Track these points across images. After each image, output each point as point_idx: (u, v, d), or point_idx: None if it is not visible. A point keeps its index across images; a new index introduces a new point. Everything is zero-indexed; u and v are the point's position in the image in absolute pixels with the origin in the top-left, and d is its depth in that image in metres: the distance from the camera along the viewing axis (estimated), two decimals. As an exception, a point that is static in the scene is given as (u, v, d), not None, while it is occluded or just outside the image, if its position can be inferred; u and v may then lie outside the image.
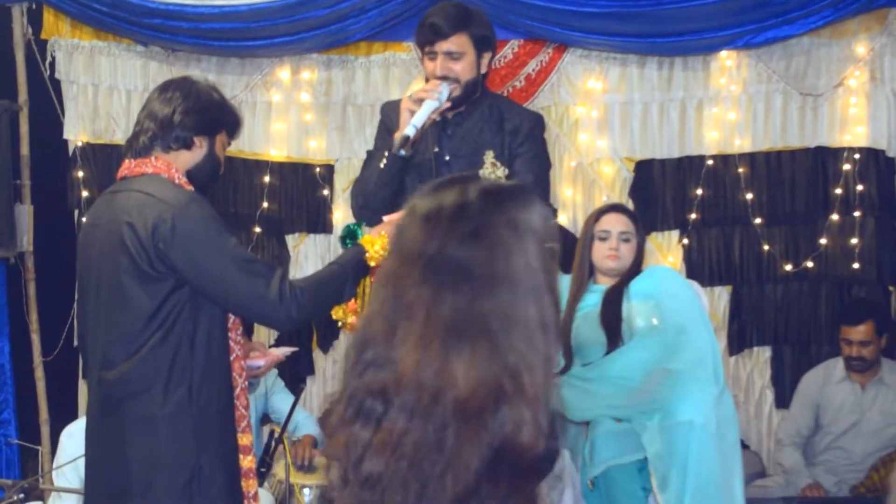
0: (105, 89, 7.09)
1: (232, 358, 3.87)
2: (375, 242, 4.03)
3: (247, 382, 3.93)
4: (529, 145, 4.62)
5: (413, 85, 6.89)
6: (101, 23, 6.83)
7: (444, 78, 4.49)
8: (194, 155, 3.94)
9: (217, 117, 4.00)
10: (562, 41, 6.86)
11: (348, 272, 3.99)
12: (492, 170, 4.55)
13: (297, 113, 7.16)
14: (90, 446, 3.95)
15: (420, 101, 4.38)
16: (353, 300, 4.18)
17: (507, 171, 4.56)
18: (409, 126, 4.31)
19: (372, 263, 4.02)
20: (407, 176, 4.53)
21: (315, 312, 4.06)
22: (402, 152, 4.39)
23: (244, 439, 3.89)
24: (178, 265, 3.69)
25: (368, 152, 4.84)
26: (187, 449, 3.74)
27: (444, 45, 4.51)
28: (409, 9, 6.55)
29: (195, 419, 3.75)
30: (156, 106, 3.93)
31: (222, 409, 3.83)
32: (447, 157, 4.59)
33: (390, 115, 4.64)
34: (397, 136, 4.38)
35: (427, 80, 4.62)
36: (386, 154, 4.46)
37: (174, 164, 3.88)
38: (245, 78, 7.13)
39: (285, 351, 4.43)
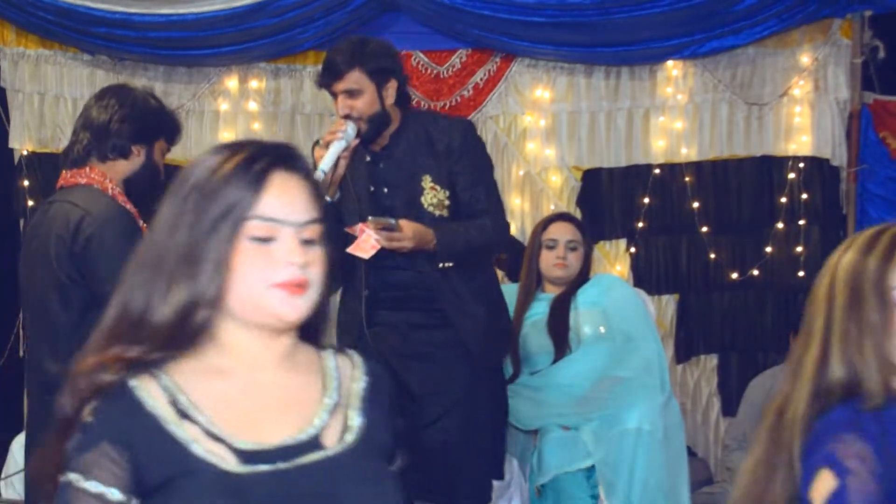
0: (51, 98, 7.04)
1: None
2: None
3: None
4: (468, 158, 4.54)
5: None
6: (47, 31, 6.79)
7: (347, 117, 4.43)
8: (132, 164, 3.86)
9: (155, 125, 3.92)
10: (509, 51, 6.88)
11: None
12: (433, 194, 4.51)
13: (244, 122, 7.13)
14: (28, 457, 3.90)
15: (328, 145, 4.30)
16: None
17: (447, 193, 4.52)
18: (318, 172, 4.20)
19: None
20: (347, 213, 4.48)
21: None
22: (328, 199, 4.34)
23: None
24: (91, 277, 3.62)
25: None
26: None
27: (339, 85, 4.42)
28: (357, 18, 6.55)
29: None
30: (92, 114, 3.87)
31: None
32: (385, 190, 4.53)
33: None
34: None
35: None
36: None
37: (109, 174, 3.81)
38: (192, 87, 7.10)
39: None
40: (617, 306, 5.18)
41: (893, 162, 6.60)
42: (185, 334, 1.97)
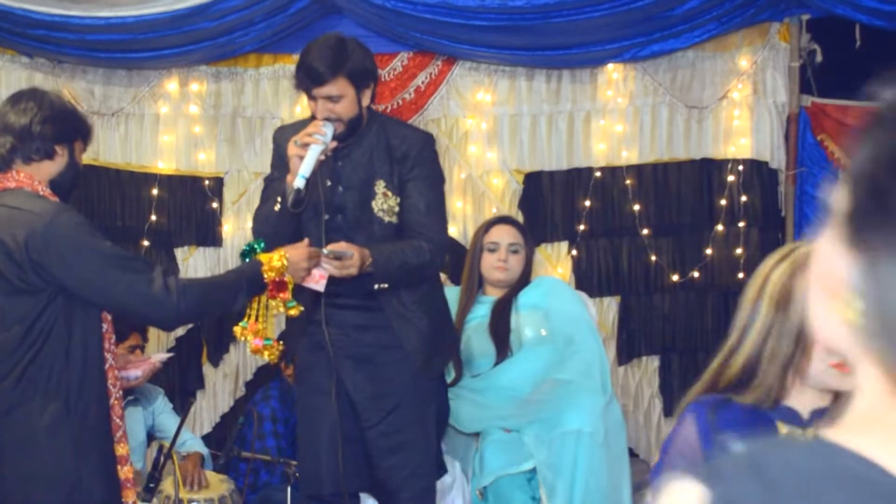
0: (-12, 101, 6.97)
1: (106, 367, 3.81)
2: (273, 259, 4.02)
3: (121, 392, 3.88)
4: (419, 169, 4.59)
5: (302, 99, 6.90)
6: (-17, 33, 6.72)
7: (327, 119, 4.46)
8: (56, 164, 3.87)
9: (73, 125, 3.95)
10: (451, 54, 6.89)
11: (243, 281, 3.98)
12: (384, 199, 4.53)
13: (185, 125, 7.09)
14: None
15: (306, 146, 4.32)
16: (253, 320, 4.14)
17: (398, 200, 4.55)
18: (299, 178, 4.26)
19: (271, 275, 4.01)
20: (306, 207, 4.48)
21: (202, 311, 4.04)
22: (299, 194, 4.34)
23: (120, 449, 3.84)
24: (56, 274, 3.63)
25: (265, 179, 4.80)
26: (67, 461, 3.68)
27: (321, 91, 4.44)
28: (298, 21, 6.53)
29: (73, 431, 3.69)
30: (10, 118, 3.85)
31: (99, 420, 3.78)
32: (340, 189, 4.56)
33: (281, 143, 4.58)
34: (289, 183, 4.34)
35: (313, 116, 4.58)
36: (279, 200, 4.43)
37: (36, 176, 3.82)
38: (132, 90, 7.05)
39: (161, 357, 4.37)
40: (558, 309, 5.20)
41: (831, 164, 6.66)
42: None
